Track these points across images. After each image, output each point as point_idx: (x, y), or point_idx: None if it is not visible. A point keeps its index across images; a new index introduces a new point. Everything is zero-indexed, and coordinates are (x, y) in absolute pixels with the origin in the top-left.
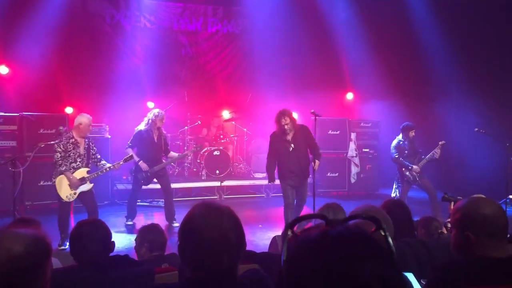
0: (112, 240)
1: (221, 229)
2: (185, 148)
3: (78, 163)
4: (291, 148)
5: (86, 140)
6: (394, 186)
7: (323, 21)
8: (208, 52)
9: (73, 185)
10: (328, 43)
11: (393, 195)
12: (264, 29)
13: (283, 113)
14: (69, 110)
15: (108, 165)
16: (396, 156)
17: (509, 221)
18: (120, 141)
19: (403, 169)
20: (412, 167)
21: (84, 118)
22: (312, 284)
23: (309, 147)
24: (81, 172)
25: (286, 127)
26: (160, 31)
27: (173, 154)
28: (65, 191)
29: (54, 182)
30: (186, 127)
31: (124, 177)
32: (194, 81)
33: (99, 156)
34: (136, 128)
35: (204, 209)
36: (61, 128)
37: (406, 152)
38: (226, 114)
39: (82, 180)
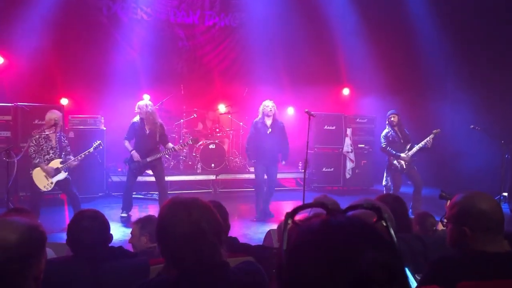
0: (110, 233)
1: (191, 222)
2: (181, 141)
3: (51, 154)
4: (268, 131)
5: (57, 134)
6: (384, 175)
7: (320, 15)
8: (205, 45)
9: (49, 174)
10: (325, 38)
11: (384, 183)
12: (261, 23)
13: (269, 100)
14: (64, 101)
15: (81, 154)
16: (384, 146)
17: (504, 217)
18: (115, 133)
19: (391, 157)
20: (399, 155)
21: (53, 115)
22: (314, 273)
23: (281, 142)
24: (55, 163)
25: (267, 109)
26: (157, 23)
27: (169, 145)
28: (42, 182)
29: (31, 174)
30: (181, 120)
31: (119, 169)
32: (191, 74)
33: (69, 150)
34: (131, 120)
35: (172, 207)
36: (56, 118)
37: (396, 140)
38: (222, 107)
39: (57, 170)
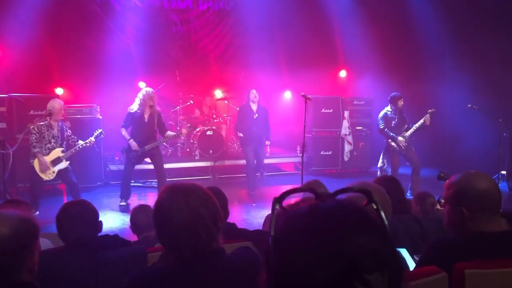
0: (100, 220)
1: (189, 208)
2: (178, 128)
3: (52, 143)
4: (255, 116)
5: (59, 123)
6: (381, 156)
7: None
8: (200, 30)
9: (43, 167)
10: (321, 20)
11: (379, 165)
12: (256, 5)
13: (253, 89)
14: (59, 91)
15: (81, 142)
16: (382, 127)
17: (502, 196)
18: (112, 122)
19: (389, 139)
20: (397, 137)
21: (55, 103)
22: (302, 261)
23: (264, 125)
24: (56, 152)
25: (252, 95)
26: (151, 9)
27: (169, 133)
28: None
29: (32, 163)
30: (178, 107)
31: (117, 158)
32: (186, 60)
33: (75, 137)
34: (128, 108)
35: (170, 193)
36: (51, 109)
37: (394, 122)
38: (218, 93)
39: (58, 160)
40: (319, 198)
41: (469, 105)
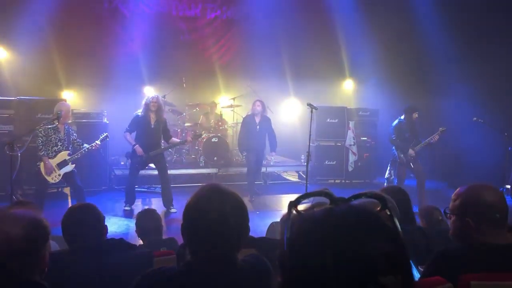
0: (105, 224)
1: (221, 214)
2: (183, 134)
3: (59, 146)
4: (257, 128)
5: (66, 126)
6: (388, 167)
7: (323, 8)
8: (207, 38)
9: (48, 170)
10: (328, 31)
11: (386, 176)
12: (264, 16)
13: (258, 100)
14: (67, 95)
15: (87, 146)
16: (394, 138)
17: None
18: (118, 127)
19: (398, 151)
20: (407, 150)
21: (63, 107)
22: (317, 262)
23: (268, 135)
24: (62, 155)
25: (254, 108)
26: (159, 16)
27: (174, 140)
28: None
29: (39, 166)
30: (184, 114)
31: (122, 163)
32: (193, 68)
33: (80, 141)
34: (134, 113)
35: (209, 193)
36: (59, 112)
37: (407, 135)
38: (224, 101)
39: (64, 163)
40: (333, 203)
41: (475, 118)
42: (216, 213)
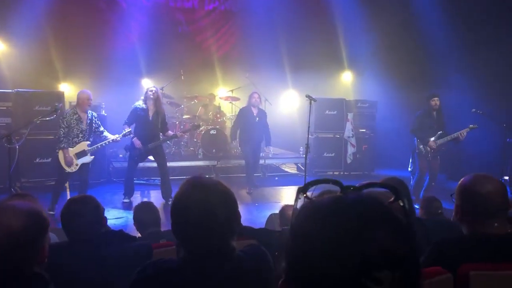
0: (104, 216)
1: (207, 206)
2: (181, 127)
3: (80, 138)
4: (256, 119)
5: (89, 114)
6: (410, 160)
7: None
8: (205, 30)
9: (67, 163)
10: (326, 22)
11: (409, 169)
12: (262, 7)
13: (255, 92)
14: (64, 87)
15: (111, 137)
16: (412, 128)
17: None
18: (116, 119)
19: (418, 141)
20: (427, 141)
21: (82, 94)
22: (319, 249)
23: (264, 129)
24: (82, 145)
25: (253, 100)
26: (157, 8)
27: (170, 133)
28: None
29: (58, 153)
30: (182, 106)
31: (121, 155)
32: (191, 60)
33: (102, 129)
34: (133, 105)
35: (191, 188)
36: (57, 104)
37: (431, 125)
38: (223, 93)
39: (83, 153)
40: (344, 191)
41: (473, 110)
42: (202, 207)
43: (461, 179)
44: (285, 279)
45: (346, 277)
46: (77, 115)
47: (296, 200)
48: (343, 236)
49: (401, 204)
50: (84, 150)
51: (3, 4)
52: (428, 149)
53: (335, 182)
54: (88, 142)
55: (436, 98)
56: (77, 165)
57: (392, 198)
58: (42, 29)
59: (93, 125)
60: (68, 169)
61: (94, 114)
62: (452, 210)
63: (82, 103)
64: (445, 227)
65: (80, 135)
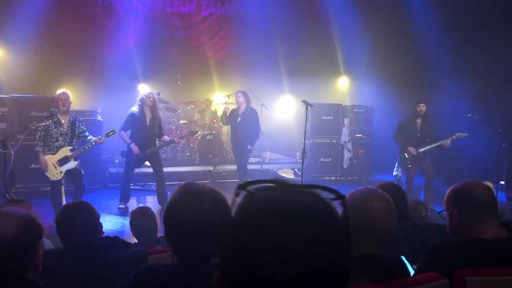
0: (100, 222)
1: (201, 214)
2: (178, 132)
3: (60, 142)
4: (238, 120)
5: (71, 118)
6: (396, 165)
7: (318, 5)
8: (202, 35)
9: (43, 167)
10: (323, 27)
11: (394, 173)
12: (258, 12)
13: (239, 91)
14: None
15: (93, 139)
16: (394, 135)
17: (500, 206)
18: (112, 124)
19: (399, 148)
20: (406, 148)
21: (59, 94)
22: (251, 246)
23: (250, 126)
24: (64, 151)
25: (236, 99)
26: (153, 13)
27: (165, 138)
28: (51, 171)
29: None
30: (178, 111)
31: (117, 161)
32: (187, 65)
33: (87, 133)
34: (129, 111)
35: (184, 195)
36: (53, 110)
37: (412, 132)
38: (219, 98)
39: (66, 159)
40: (286, 190)
41: (469, 115)
42: (195, 213)
43: (452, 187)
44: (220, 273)
45: (275, 270)
46: (56, 118)
47: (235, 195)
48: (260, 238)
49: (343, 210)
50: (66, 156)
51: None
52: (406, 156)
53: (277, 181)
54: (70, 147)
55: (422, 104)
56: (61, 172)
57: (334, 197)
58: (38, 34)
59: (76, 129)
60: (50, 177)
61: (79, 118)
62: (439, 214)
63: (55, 104)
64: (441, 231)
65: (60, 139)
